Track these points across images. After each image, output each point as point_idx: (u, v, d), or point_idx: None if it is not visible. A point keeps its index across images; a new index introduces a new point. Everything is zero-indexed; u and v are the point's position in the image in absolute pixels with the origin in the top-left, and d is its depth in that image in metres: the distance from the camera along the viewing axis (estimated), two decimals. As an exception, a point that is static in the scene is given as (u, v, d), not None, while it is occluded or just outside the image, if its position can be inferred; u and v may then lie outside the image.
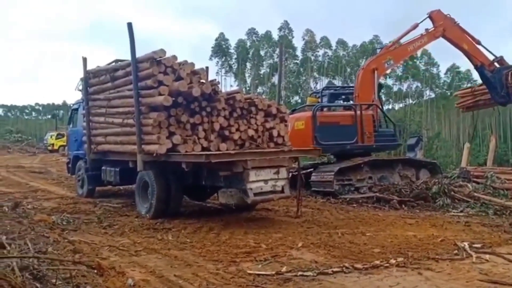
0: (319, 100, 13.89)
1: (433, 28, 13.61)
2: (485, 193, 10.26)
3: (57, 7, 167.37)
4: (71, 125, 12.72)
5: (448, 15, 13.81)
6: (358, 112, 12.01)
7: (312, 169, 12.00)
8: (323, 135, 11.39)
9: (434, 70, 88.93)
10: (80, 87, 10.39)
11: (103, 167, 10.10)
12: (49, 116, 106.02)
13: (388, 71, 14.80)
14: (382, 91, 14.51)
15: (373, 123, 12.41)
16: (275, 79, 78.42)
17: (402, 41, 13.53)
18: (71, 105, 13.18)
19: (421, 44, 13.89)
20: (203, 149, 7.38)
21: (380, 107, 13.27)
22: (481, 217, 8.41)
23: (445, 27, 13.64)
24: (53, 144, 38.82)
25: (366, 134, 12.08)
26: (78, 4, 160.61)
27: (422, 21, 13.72)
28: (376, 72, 12.85)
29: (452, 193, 10.04)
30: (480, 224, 7.66)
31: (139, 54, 7.82)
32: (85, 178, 10.99)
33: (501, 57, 14.13)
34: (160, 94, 7.26)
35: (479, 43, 13.98)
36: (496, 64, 14.05)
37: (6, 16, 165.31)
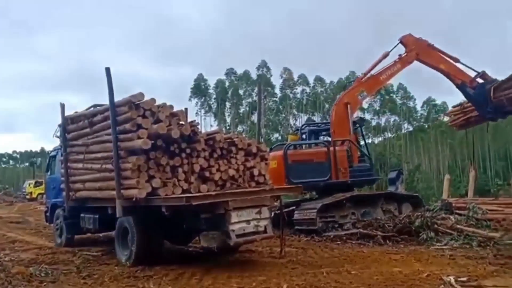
0: (300, 137, 14.02)
1: (405, 53, 13.50)
2: (468, 224, 10.34)
3: (35, 54, 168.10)
4: (49, 173, 12.48)
5: (420, 38, 13.63)
6: (332, 148, 12.08)
7: (294, 207, 11.94)
8: (295, 174, 11.38)
9: (411, 104, 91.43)
10: (58, 134, 10.26)
11: (81, 215, 9.81)
12: (27, 164, 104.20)
13: (362, 104, 15.06)
14: (361, 125, 14.54)
15: (347, 159, 12.40)
16: (254, 118, 79.30)
17: (374, 71, 13.43)
18: (49, 152, 12.97)
19: (394, 72, 13.61)
20: (184, 191, 7.28)
21: (356, 142, 13.19)
22: (466, 250, 8.43)
23: (418, 50, 13.47)
24: (31, 193, 37.99)
25: (341, 170, 12.09)
26: (56, 52, 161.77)
27: (392, 48, 13.62)
28: (349, 106, 12.85)
29: (435, 226, 10.07)
30: (465, 257, 7.68)
31: (118, 98, 7.81)
32: (63, 226, 10.67)
33: (483, 72, 13.70)
34: (139, 138, 7.20)
35: (457, 61, 13.69)
36: (478, 80, 13.65)
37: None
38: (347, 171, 12.20)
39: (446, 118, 14.46)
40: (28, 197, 37.89)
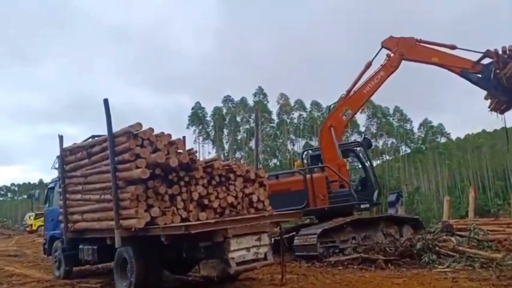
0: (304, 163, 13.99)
1: (387, 58, 12.65)
2: (470, 246, 10.27)
3: (32, 85, 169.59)
4: (47, 205, 12.44)
5: (403, 37, 12.57)
6: (309, 176, 12.01)
7: (294, 233, 11.86)
8: (274, 203, 11.18)
9: (408, 126, 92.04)
10: (57, 165, 10.29)
11: (80, 246, 9.74)
12: (25, 196, 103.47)
13: (347, 123, 13.64)
14: (365, 146, 14.30)
15: (326, 185, 12.15)
16: (252, 144, 79.51)
17: (358, 85, 12.78)
18: (47, 184, 12.98)
19: (379, 81, 12.64)
20: (183, 220, 7.25)
21: (345, 166, 12.88)
22: (468, 272, 8.35)
23: (402, 50, 12.48)
24: (31, 225, 37.66)
25: (319, 197, 11.94)
26: (54, 83, 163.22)
27: (375, 56, 12.79)
28: (332, 129, 12.55)
29: (437, 248, 9.99)
30: (468, 279, 7.60)
31: (116, 128, 7.89)
32: (62, 258, 10.57)
33: (488, 51, 11.85)
34: (137, 167, 7.22)
35: (454, 47, 12.34)
36: (484, 62, 12.07)
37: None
38: (326, 198, 11.99)
39: (488, 102, 11.98)
40: (28, 229, 37.55)
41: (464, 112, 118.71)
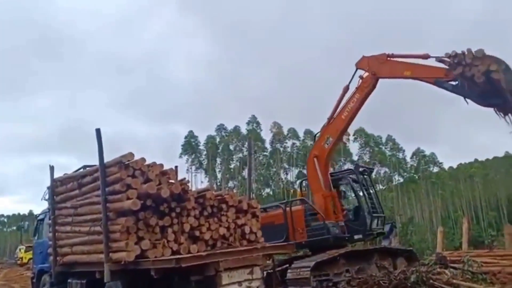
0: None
1: (360, 80, 12.21)
2: (464, 278, 10.18)
3: (24, 116, 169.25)
4: (36, 237, 12.17)
5: (372, 56, 12.09)
6: (288, 209, 11.87)
7: (287, 265, 11.67)
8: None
9: (400, 155, 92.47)
10: (47, 196, 10.16)
11: (69, 280, 9.47)
12: (15, 228, 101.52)
13: (332, 151, 13.08)
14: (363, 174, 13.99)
15: (304, 218, 11.93)
16: (245, 173, 79.33)
17: (337, 112, 12.42)
18: (37, 215, 12.75)
19: (356, 104, 12.17)
20: (173, 252, 7.16)
21: (336, 197, 12.53)
22: (463, 305, 8.25)
23: (373, 69, 11.98)
24: (22, 258, 36.80)
25: (298, 230, 11.72)
26: (46, 113, 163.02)
27: (351, 80, 12.35)
28: (315, 159, 12.35)
29: (431, 281, 9.86)
30: (462, 313, 7.50)
31: (108, 158, 7.86)
32: None
33: (454, 53, 10.72)
34: (128, 198, 7.17)
35: (427, 57, 11.45)
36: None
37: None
38: (304, 231, 11.75)
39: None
40: (19, 262, 36.70)
41: (456, 141, 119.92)
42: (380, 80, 12.06)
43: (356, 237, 12.42)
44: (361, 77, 12.17)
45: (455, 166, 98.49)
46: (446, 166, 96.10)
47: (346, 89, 12.40)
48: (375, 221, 12.84)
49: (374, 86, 12.09)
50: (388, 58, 11.84)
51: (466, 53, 10.21)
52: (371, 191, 13.75)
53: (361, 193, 13.18)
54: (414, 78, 11.56)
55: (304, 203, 12.51)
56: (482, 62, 9.89)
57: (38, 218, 12.22)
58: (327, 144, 12.50)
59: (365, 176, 13.68)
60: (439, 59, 10.99)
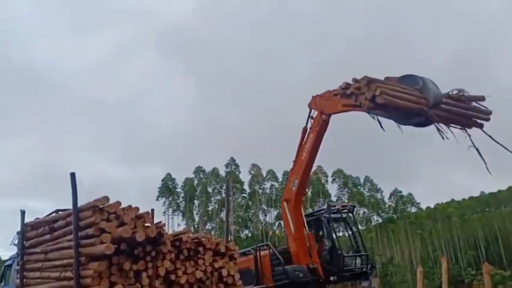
0: None
1: (311, 120, 12.30)
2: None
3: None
4: (2, 283, 11.78)
5: (317, 95, 12.01)
6: (257, 253, 12.08)
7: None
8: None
9: (378, 196, 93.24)
10: (16, 241, 9.82)
11: None
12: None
13: (302, 193, 12.96)
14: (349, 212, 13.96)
15: (270, 263, 12.00)
16: (223, 215, 78.37)
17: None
18: (5, 261, 12.31)
19: (312, 144, 12.12)
20: (148, 298, 6.91)
21: (312, 239, 12.51)
22: None
23: (320, 108, 11.90)
24: None
25: (266, 275, 11.82)
26: (21, 157, 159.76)
27: (307, 121, 12.35)
28: (285, 203, 12.39)
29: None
30: None
31: (84, 202, 7.68)
32: None
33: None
34: (102, 243, 6.96)
35: (346, 87, 10.82)
36: None
37: None
38: (270, 276, 11.83)
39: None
40: None
41: (433, 181, 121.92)
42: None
43: (331, 278, 12.27)
44: (311, 117, 12.32)
45: (432, 206, 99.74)
46: (423, 206, 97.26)
47: (305, 130, 12.50)
48: (355, 260, 12.79)
49: (326, 124, 12.03)
50: (332, 95, 11.59)
51: (352, 82, 10.30)
52: (353, 229, 13.76)
53: (335, 234, 13.28)
54: (348, 110, 11.24)
55: (269, 248, 12.61)
56: (369, 88, 9.73)
57: (6, 263, 11.92)
58: (294, 186, 12.52)
59: (344, 215, 13.72)
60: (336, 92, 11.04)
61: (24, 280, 8.97)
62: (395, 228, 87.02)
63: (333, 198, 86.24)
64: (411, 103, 9.68)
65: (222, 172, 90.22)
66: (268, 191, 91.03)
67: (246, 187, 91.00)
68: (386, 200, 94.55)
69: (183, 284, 7.43)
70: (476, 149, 9.94)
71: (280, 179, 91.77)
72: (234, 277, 8.20)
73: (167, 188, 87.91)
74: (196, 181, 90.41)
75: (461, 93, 10.29)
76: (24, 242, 9.23)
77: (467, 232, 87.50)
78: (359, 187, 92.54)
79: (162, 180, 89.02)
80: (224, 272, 8.06)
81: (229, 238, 9.11)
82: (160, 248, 7.35)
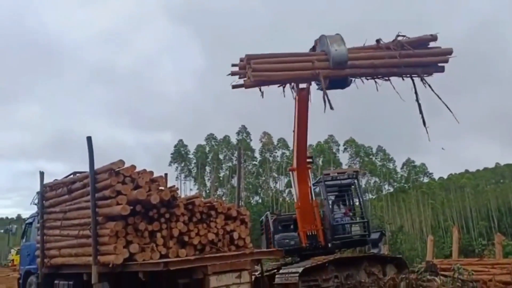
0: None
1: None
2: (454, 286, 10.24)
3: (12, 123, 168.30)
4: (24, 240, 12.23)
5: None
6: None
7: (275, 270, 11.74)
8: None
9: (391, 165, 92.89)
10: (36, 201, 10.20)
11: (55, 281, 9.52)
12: (2, 231, 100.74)
13: (302, 166, 12.62)
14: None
15: (272, 229, 12.83)
16: (234, 181, 79.20)
17: None
18: (26, 219, 12.79)
19: (296, 115, 11.79)
20: (162, 256, 7.21)
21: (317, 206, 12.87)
22: (453, 312, 8.29)
23: None
24: (13, 260, 36.69)
25: (270, 240, 12.78)
26: (35, 120, 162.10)
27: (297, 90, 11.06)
28: (291, 173, 12.88)
29: (421, 288, 9.96)
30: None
31: (97, 165, 7.90)
32: None
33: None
34: (118, 204, 7.22)
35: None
36: None
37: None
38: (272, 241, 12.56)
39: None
40: (11, 264, 36.57)
41: (447, 153, 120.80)
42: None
43: (329, 245, 12.56)
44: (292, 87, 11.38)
45: (445, 177, 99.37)
46: (436, 176, 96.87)
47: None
48: (354, 227, 12.91)
49: (299, 95, 11.24)
50: None
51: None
52: (358, 196, 13.86)
53: (346, 201, 13.54)
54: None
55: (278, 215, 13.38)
56: (250, 66, 9.31)
57: (27, 221, 12.29)
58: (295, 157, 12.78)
59: (344, 181, 13.68)
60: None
61: (45, 237, 9.38)
62: (406, 198, 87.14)
63: (345, 167, 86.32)
64: (300, 71, 9.36)
65: (234, 139, 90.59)
66: (278, 159, 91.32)
67: (257, 154, 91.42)
68: (398, 170, 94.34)
69: (196, 245, 7.69)
70: (418, 105, 9.39)
71: (291, 148, 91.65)
72: (245, 240, 8.44)
73: (179, 154, 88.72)
74: (207, 148, 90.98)
75: (401, 38, 9.36)
76: (44, 202, 9.59)
77: (480, 203, 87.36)
78: (371, 156, 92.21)
79: (175, 146, 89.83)
80: (235, 235, 8.30)
81: (240, 204, 9.30)
82: (173, 211, 7.59)
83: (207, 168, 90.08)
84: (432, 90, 9.16)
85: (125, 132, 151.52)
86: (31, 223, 11.63)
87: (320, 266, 10.95)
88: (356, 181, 13.85)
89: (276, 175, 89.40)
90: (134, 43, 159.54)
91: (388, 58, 9.28)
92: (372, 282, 10.89)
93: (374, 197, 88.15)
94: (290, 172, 12.90)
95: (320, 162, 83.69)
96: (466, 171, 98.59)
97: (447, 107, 9.15)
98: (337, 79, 9.58)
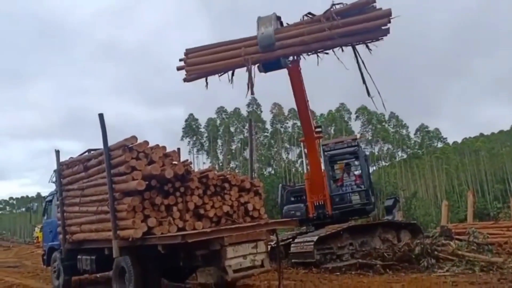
0: None
1: None
2: (469, 250, 10.31)
3: (26, 105, 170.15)
4: (45, 217, 12.55)
5: None
6: None
7: (291, 239, 11.92)
8: None
9: (404, 132, 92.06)
10: (54, 179, 10.40)
11: (78, 256, 9.86)
12: (23, 209, 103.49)
13: (309, 136, 12.31)
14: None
15: (284, 200, 13.67)
16: (246, 153, 79.36)
17: None
18: (45, 197, 13.09)
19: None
20: (179, 229, 7.34)
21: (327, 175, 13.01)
22: (468, 275, 8.37)
23: None
24: (37, 237, 37.80)
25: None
26: (47, 100, 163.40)
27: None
28: (302, 143, 13.33)
29: (436, 252, 10.03)
30: (468, 283, 7.60)
31: (111, 142, 7.98)
32: (60, 269, 10.68)
33: None
34: (133, 179, 7.31)
35: None
36: None
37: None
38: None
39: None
40: (35, 241, 37.74)
41: (461, 116, 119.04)
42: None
43: (332, 214, 12.65)
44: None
45: (459, 141, 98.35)
46: (450, 141, 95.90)
47: None
48: (354, 196, 12.88)
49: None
50: None
51: None
52: (358, 164, 13.71)
53: (352, 170, 13.76)
54: None
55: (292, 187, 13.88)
56: None
57: (47, 199, 12.56)
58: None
59: (345, 150, 13.69)
60: None
61: (65, 214, 9.60)
62: (420, 163, 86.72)
63: (357, 136, 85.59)
64: (232, 60, 9.40)
65: (244, 112, 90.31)
66: (290, 129, 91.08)
67: (268, 126, 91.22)
68: (411, 136, 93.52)
69: (212, 217, 7.79)
70: (361, 74, 9.04)
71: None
72: (260, 211, 8.54)
73: (190, 128, 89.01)
74: (218, 121, 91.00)
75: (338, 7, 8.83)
76: (61, 179, 9.77)
77: (495, 166, 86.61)
78: (383, 123, 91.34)
79: (185, 121, 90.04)
80: (250, 206, 8.39)
81: (253, 175, 9.35)
82: (188, 185, 7.67)
83: (219, 141, 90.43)
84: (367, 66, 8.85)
85: (136, 108, 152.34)
86: (50, 201, 11.90)
87: (335, 234, 11.09)
88: (358, 148, 13.79)
89: (288, 146, 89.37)
90: (141, 17, 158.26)
91: (319, 32, 8.85)
92: (387, 248, 11.01)
93: (387, 164, 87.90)
94: (301, 143, 12.93)
95: (332, 131, 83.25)
96: (481, 134, 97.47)
97: (376, 88, 9.00)
98: (271, 61, 9.49)
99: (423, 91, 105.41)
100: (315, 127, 12.88)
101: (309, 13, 9.21)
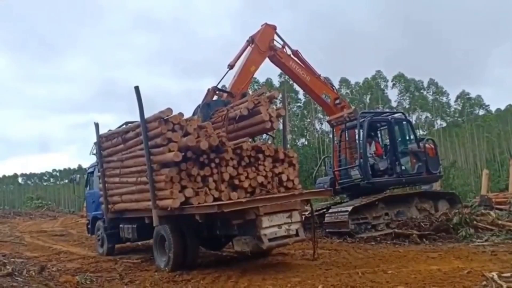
0: None
1: None
2: (510, 219, 10.04)
3: (62, 78, 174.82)
4: (88, 188, 13.07)
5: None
6: None
7: (325, 210, 11.97)
8: None
9: (444, 99, 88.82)
10: (94, 151, 10.77)
11: (120, 225, 10.33)
12: (66, 181, 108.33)
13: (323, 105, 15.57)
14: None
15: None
16: (280, 124, 79.10)
17: None
18: (87, 168, 13.61)
19: None
20: (215, 199, 7.51)
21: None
22: (508, 245, 8.18)
23: None
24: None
25: None
26: (82, 73, 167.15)
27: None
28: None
29: (475, 222, 9.83)
30: (508, 252, 7.44)
31: (147, 114, 8.15)
32: (104, 237, 11.27)
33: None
34: (170, 151, 7.49)
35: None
36: None
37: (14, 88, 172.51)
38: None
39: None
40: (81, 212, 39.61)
41: (505, 82, 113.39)
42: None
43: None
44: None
45: (503, 108, 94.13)
46: (493, 108, 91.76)
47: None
48: (353, 171, 12.24)
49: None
50: None
51: None
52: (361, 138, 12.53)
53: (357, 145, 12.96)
54: None
55: None
56: None
57: (88, 171, 13.07)
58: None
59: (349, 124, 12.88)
60: None
61: (106, 185, 9.99)
62: (460, 132, 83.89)
63: (393, 104, 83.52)
64: None
65: (276, 82, 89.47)
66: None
67: (301, 96, 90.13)
68: (452, 103, 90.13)
69: (246, 187, 7.90)
70: None
71: (337, 86, 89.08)
72: (294, 181, 8.57)
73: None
74: (250, 92, 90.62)
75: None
76: (101, 151, 10.11)
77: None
78: (422, 91, 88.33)
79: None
80: (284, 177, 8.42)
81: (287, 147, 9.34)
82: (223, 156, 7.77)
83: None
84: None
85: (169, 79, 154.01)
86: (92, 172, 12.38)
87: (370, 204, 11.03)
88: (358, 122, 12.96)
89: (321, 116, 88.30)
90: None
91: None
92: (424, 218, 10.88)
93: (425, 133, 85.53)
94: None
95: (368, 100, 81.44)
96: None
97: None
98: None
99: (465, 56, 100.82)
100: (334, 99, 13.81)
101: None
